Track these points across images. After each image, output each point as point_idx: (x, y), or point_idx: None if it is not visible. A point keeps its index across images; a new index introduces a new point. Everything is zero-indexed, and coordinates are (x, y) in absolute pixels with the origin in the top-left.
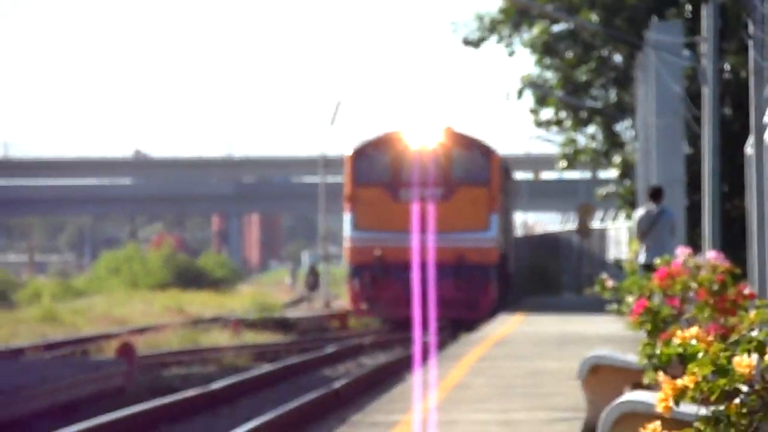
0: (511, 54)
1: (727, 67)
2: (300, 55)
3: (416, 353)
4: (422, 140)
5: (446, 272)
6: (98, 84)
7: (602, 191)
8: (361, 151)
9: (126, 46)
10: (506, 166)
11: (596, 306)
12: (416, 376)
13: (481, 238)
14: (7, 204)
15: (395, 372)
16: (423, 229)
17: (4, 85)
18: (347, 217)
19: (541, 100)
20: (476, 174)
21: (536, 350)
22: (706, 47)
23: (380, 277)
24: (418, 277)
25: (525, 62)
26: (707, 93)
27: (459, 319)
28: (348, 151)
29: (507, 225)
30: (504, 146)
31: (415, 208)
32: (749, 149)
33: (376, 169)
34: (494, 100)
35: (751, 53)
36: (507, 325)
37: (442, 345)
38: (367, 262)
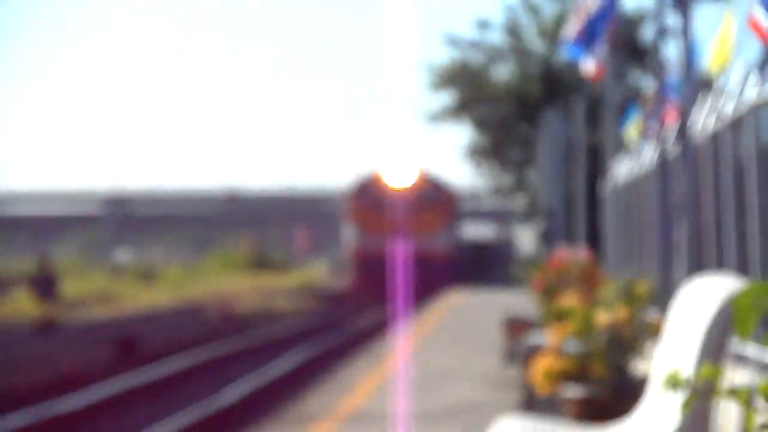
0: (457, 129)
1: (590, 136)
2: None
3: (398, 312)
4: (399, 179)
5: (417, 264)
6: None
7: (515, 212)
8: (359, 184)
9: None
10: (454, 192)
11: (512, 282)
12: (403, 325)
13: (438, 242)
14: (152, 220)
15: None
16: (399, 237)
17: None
18: (350, 228)
19: (480, 159)
20: (434, 201)
21: (477, 308)
22: (578, 126)
23: (372, 268)
24: (395, 268)
25: (467, 132)
26: (578, 155)
27: (422, 295)
28: (350, 183)
29: (456, 232)
30: (456, 182)
31: (396, 222)
32: (604, 188)
33: (368, 197)
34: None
35: (605, 129)
36: (454, 298)
37: (407, 313)
38: (364, 258)
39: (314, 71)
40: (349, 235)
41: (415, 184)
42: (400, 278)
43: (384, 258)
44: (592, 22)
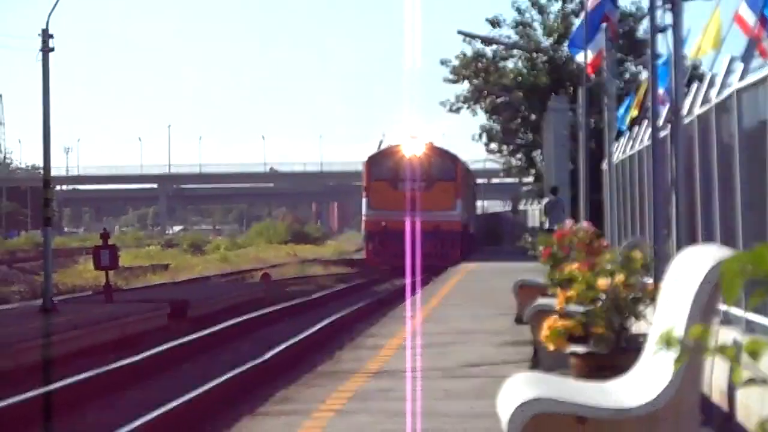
0: (475, 115)
1: (593, 119)
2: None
3: (409, 284)
4: (413, 151)
5: (428, 236)
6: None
7: (525, 189)
8: (374, 157)
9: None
10: (467, 168)
11: (522, 252)
12: (421, 292)
13: (449, 215)
14: (202, 198)
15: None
16: (413, 209)
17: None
18: (364, 201)
19: (490, 139)
20: (447, 173)
21: (489, 276)
22: (580, 111)
23: (385, 240)
24: (410, 239)
25: (482, 119)
26: (581, 136)
27: (436, 265)
28: (365, 158)
29: (468, 206)
30: (471, 162)
31: (408, 195)
32: (604, 166)
33: (383, 169)
34: (466, 139)
35: (605, 114)
36: (470, 266)
37: (426, 281)
38: (377, 230)
39: (345, 61)
40: (364, 207)
41: (427, 156)
42: (413, 249)
43: (396, 229)
44: (590, 18)
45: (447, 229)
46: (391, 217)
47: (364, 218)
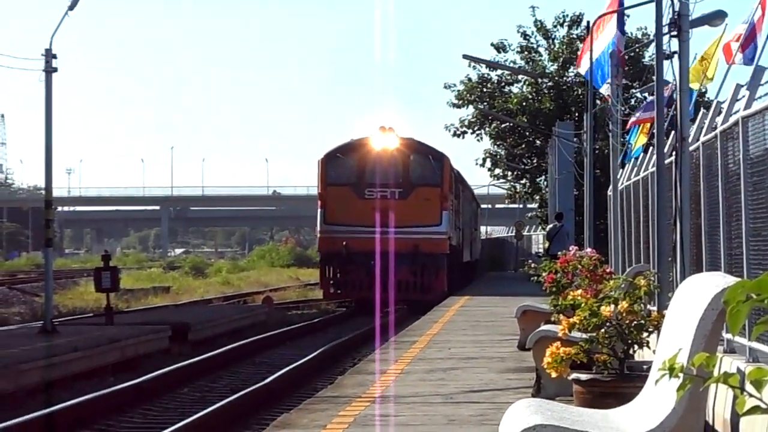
0: (480, 140)
1: (597, 146)
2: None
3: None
4: (384, 145)
5: (403, 260)
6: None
7: (529, 215)
8: (332, 155)
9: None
10: (458, 173)
11: (525, 278)
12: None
13: (432, 231)
14: (204, 220)
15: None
16: (383, 224)
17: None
18: (319, 213)
19: (495, 164)
20: (430, 176)
21: (491, 302)
22: (585, 136)
23: (346, 265)
24: (379, 264)
25: (486, 144)
26: (586, 161)
27: (415, 301)
28: (321, 155)
29: (462, 222)
30: (475, 188)
31: (377, 205)
32: (609, 193)
33: (344, 170)
34: (471, 164)
35: (610, 140)
36: (457, 304)
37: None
38: (335, 252)
39: (351, 84)
40: (318, 222)
41: (403, 152)
42: (384, 277)
43: (361, 251)
44: (605, 49)
45: (429, 251)
46: (355, 234)
47: (318, 236)
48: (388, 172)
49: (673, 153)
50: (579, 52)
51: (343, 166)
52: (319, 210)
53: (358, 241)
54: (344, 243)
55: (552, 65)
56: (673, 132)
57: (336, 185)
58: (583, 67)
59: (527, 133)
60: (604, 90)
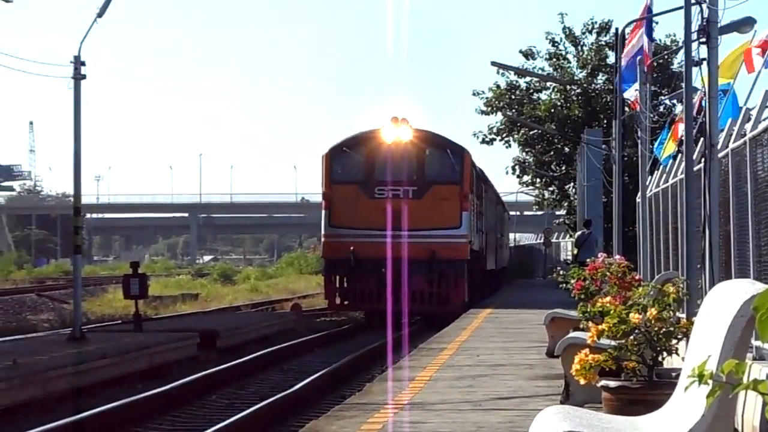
0: (508, 147)
1: (625, 153)
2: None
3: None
4: (396, 138)
5: (418, 268)
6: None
7: (557, 221)
8: (338, 150)
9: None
10: (480, 171)
11: (554, 285)
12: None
13: (451, 235)
14: (233, 227)
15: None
16: (395, 227)
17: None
18: (323, 215)
19: (523, 171)
20: (448, 173)
21: (520, 309)
22: (614, 143)
23: (353, 273)
24: (391, 272)
25: (515, 151)
26: (615, 168)
27: (431, 313)
28: (325, 150)
29: (483, 225)
30: (503, 195)
31: (388, 206)
32: (638, 199)
33: (351, 167)
34: (500, 172)
35: (639, 147)
36: (478, 318)
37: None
38: (341, 258)
39: (367, 91)
40: (322, 224)
41: (418, 146)
42: (397, 287)
43: (371, 257)
44: (633, 55)
45: (447, 257)
46: (363, 239)
47: (322, 240)
48: (400, 168)
49: (702, 160)
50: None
51: (350, 162)
52: (323, 211)
53: (367, 246)
54: (351, 248)
55: (580, 72)
56: (702, 139)
57: (342, 183)
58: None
59: (556, 140)
60: (629, 95)
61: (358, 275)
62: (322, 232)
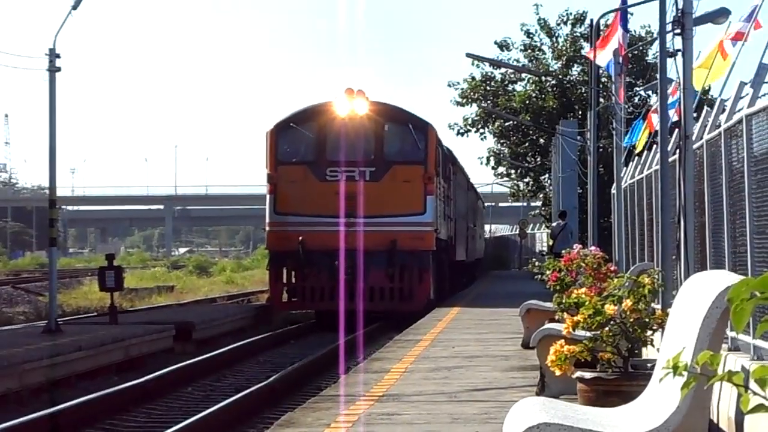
0: (483, 138)
1: (600, 145)
2: None
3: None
4: (350, 113)
5: (376, 259)
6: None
7: (533, 213)
8: (283, 126)
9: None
10: (449, 151)
11: (528, 276)
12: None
13: (414, 222)
14: (208, 219)
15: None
16: (349, 213)
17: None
18: (267, 200)
19: (498, 163)
20: (410, 151)
21: (496, 301)
22: (589, 134)
23: (302, 266)
24: (344, 265)
25: (490, 143)
26: (590, 160)
27: (391, 312)
28: (269, 126)
29: (452, 211)
30: (479, 186)
31: (341, 189)
32: (613, 191)
33: (299, 145)
34: (474, 162)
35: (614, 138)
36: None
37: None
38: (288, 250)
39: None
40: (267, 211)
41: (376, 120)
42: (352, 283)
43: (322, 248)
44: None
45: (409, 248)
46: (313, 227)
47: (266, 229)
48: (355, 146)
49: (677, 151)
50: (595, 45)
51: (297, 140)
52: (267, 196)
53: (317, 235)
54: (300, 239)
55: (555, 63)
56: (676, 130)
57: (289, 164)
58: (601, 59)
59: (531, 132)
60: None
61: (308, 269)
62: (267, 220)
